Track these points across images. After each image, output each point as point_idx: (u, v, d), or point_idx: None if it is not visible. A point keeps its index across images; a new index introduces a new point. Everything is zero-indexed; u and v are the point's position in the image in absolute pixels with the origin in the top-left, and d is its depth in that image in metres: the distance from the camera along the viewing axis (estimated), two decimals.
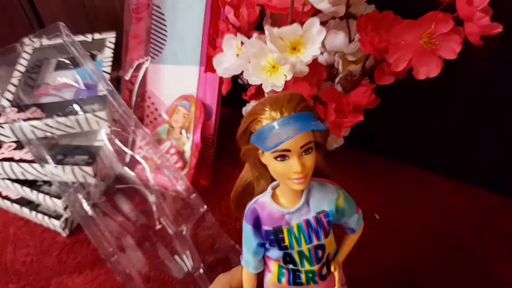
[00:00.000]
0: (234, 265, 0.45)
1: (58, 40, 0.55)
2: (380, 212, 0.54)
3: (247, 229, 0.30)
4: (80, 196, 0.49)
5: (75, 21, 0.72)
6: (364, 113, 0.43)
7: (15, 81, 0.58)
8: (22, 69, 0.59)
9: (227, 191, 0.35)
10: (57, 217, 0.53)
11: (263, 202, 0.30)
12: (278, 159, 0.26)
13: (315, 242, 0.30)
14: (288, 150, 0.26)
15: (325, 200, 0.30)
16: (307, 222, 0.29)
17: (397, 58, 0.36)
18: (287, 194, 0.29)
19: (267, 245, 0.30)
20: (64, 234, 0.54)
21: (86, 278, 0.49)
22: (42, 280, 0.49)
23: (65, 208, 0.52)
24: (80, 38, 0.66)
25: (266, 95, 0.41)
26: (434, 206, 0.55)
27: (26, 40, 0.56)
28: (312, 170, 0.27)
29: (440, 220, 0.53)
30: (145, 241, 0.50)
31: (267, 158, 0.27)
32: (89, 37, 0.66)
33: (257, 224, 0.30)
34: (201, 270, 0.47)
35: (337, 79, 0.45)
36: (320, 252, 0.30)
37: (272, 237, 0.29)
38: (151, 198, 0.52)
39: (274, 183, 0.30)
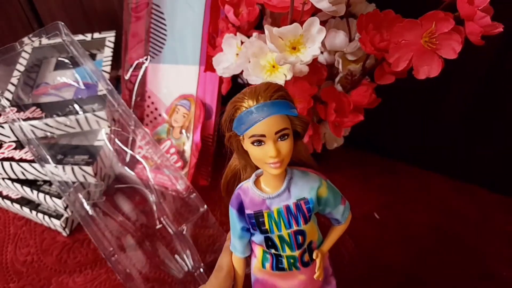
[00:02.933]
0: None
1: (58, 40, 0.54)
2: (380, 212, 0.54)
3: (232, 213, 0.32)
4: (80, 195, 0.49)
5: (74, 20, 0.72)
6: (365, 113, 0.43)
7: (14, 80, 0.57)
8: (22, 68, 0.59)
9: None
10: (57, 216, 0.53)
11: (246, 187, 0.31)
12: (255, 144, 0.28)
13: (295, 227, 0.31)
14: (263, 136, 0.27)
15: (306, 188, 0.31)
16: (287, 207, 0.30)
17: (397, 57, 0.36)
18: (269, 180, 0.31)
19: (251, 230, 0.32)
20: (64, 233, 0.54)
21: (87, 278, 0.49)
22: (43, 279, 0.49)
23: (65, 208, 0.52)
24: (80, 37, 0.66)
25: None
26: (435, 206, 0.55)
27: (25, 40, 0.56)
28: (288, 156, 0.28)
29: (441, 220, 0.53)
30: (145, 240, 0.50)
31: (247, 144, 0.29)
32: (88, 36, 0.66)
33: (241, 208, 0.31)
34: (201, 270, 0.47)
35: (337, 79, 0.44)
36: (300, 238, 0.31)
37: (253, 221, 0.31)
38: (151, 198, 0.52)
39: (259, 171, 0.32)
